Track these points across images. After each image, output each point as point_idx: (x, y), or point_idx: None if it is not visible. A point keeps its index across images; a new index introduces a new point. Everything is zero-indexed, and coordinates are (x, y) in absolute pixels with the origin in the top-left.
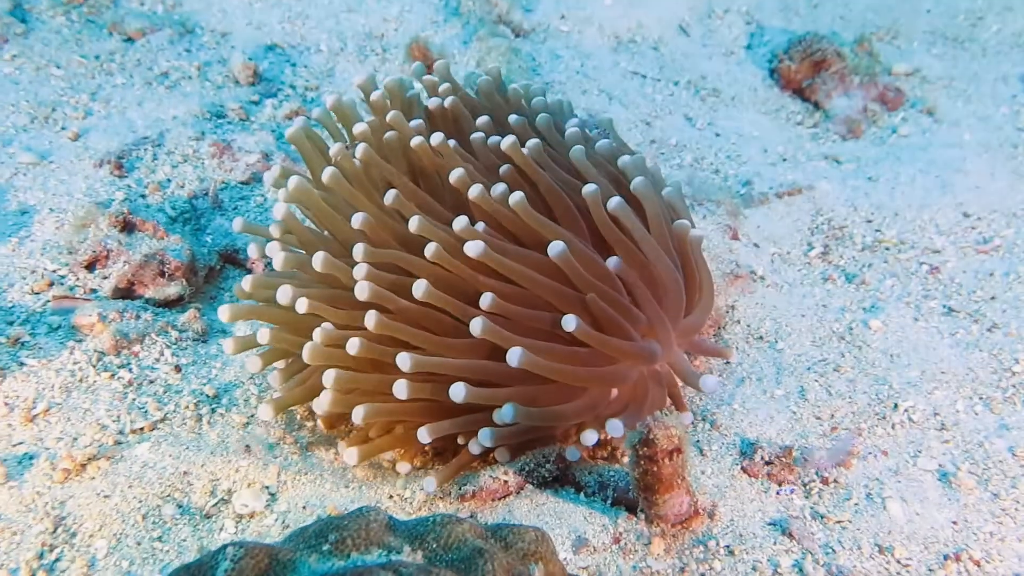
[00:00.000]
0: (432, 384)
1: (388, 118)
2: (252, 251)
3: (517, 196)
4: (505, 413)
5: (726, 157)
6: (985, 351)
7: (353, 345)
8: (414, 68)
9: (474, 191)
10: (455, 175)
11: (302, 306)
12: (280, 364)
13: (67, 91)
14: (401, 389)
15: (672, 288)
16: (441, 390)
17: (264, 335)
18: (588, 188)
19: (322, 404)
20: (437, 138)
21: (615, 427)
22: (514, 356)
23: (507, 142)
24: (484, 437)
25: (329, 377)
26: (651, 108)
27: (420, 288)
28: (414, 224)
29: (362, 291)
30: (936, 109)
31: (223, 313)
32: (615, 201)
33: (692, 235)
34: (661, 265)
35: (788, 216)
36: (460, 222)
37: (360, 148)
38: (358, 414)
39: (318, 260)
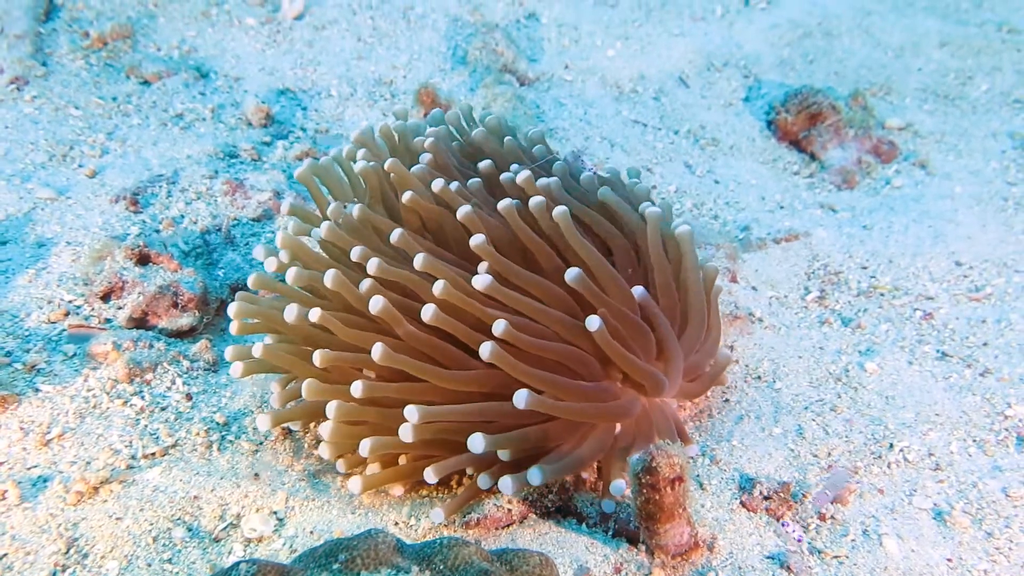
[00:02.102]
0: (437, 426)
1: (387, 165)
2: (258, 252)
3: (561, 210)
4: (533, 476)
5: (725, 203)
6: (978, 395)
7: (357, 388)
8: (432, 114)
9: (503, 204)
10: (462, 212)
11: (315, 315)
12: (275, 386)
13: (85, 131)
14: (407, 433)
15: (697, 325)
16: (446, 430)
17: (258, 350)
18: (652, 210)
19: (325, 434)
20: (438, 184)
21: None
22: (520, 399)
23: (522, 176)
24: (505, 487)
25: (332, 409)
26: (652, 155)
27: (428, 312)
28: (419, 261)
29: (375, 305)
30: (928, 162)
31: (232, 309)
32: (683, 228)
33: (716, 284)
34: (696, 301)
35: (785, 261)
36: (477, 239)
37: (356, 208)
38: (365, 447)
39: (329, 277)
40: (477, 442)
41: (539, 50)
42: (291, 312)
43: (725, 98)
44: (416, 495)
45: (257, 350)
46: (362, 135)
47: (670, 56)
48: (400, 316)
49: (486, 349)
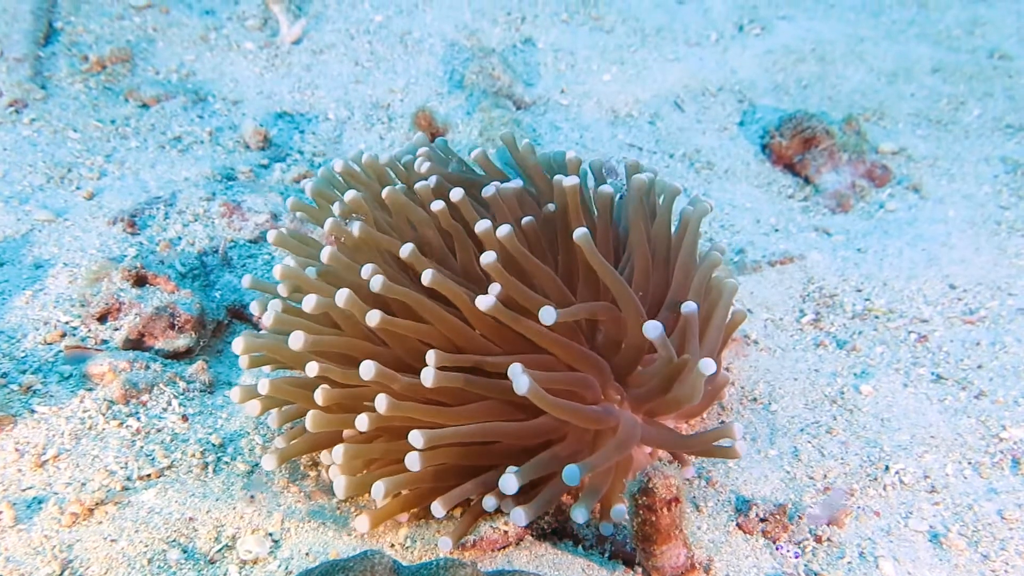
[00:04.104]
0: (443, 450)
1: (385, 194)
2: (255, 307)
3: (581, 232)
4: (571, 476)
5: (720, 226)
6: (973, 417)
7: (362, 422)
8: (416, 138)
9: (502, 231)
10: (480, 226)
11: (312, 370)
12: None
13: (83, 153)
14: (414, 462)
15: (707, 354)
16: (453, 454)
17: (264, 386)
18: (714, 254)
19: (339, 489)
20: (457, 194)
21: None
22: (522, 385)
23: (570, 181)
24: (518, 517)
25: (338, 454)
26: None
27: (429, 377)
28: (427, 277)
29: (367, 371)
30: (922, 186)
31: (237, 345)
32: (731, 282)
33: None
34: (714, 338)
35: (780, 284)
36: (488, 257)
37: (356, 226)
38: (378, 491)
39: (341, 297)
40: (510, 483)
41: (536, 74)
42: (296, 340)
43: (720, 122)
44: (414, 519)
45: (263, 387)
46: (346, 166)
47: (665, 81)
48: (394, 374)
49: (523, 386)
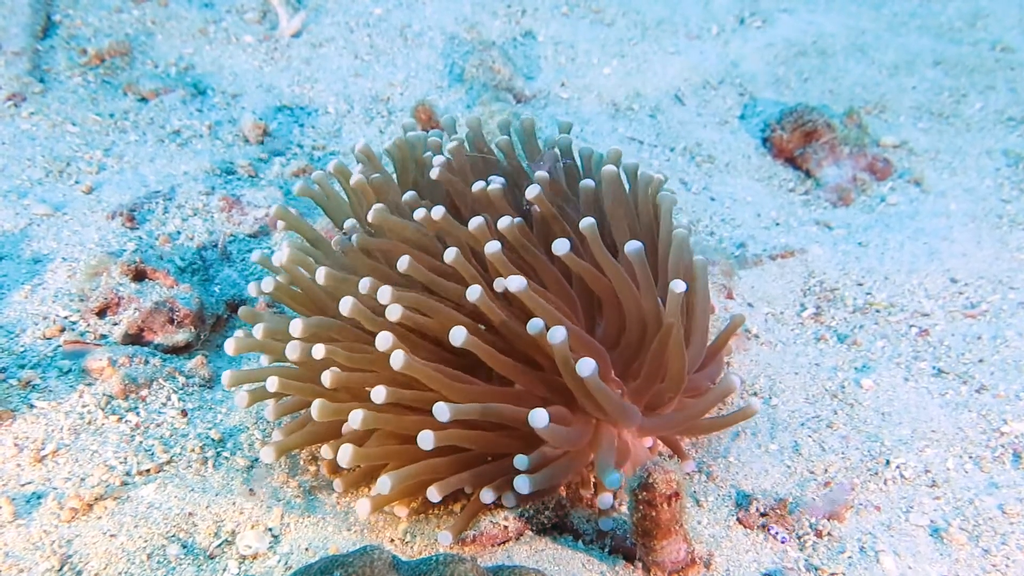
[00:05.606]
0: (458, 431)
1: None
2: (252, 290)
3: (588, 222)
4: (586, 367)
5: (721, 220)
6: (974, 411)
7: (379, 394)
8: (445, 121)
9: (503, 224)
10: (474, 223)
11: (319, 352)
12: (270, 401)
13: (82, 147)
14: (427, 440)
15: (698, 344)
16: (468, 437)
17: (273, 383)
18: (679, 232)
19: (344, 458)
20: (438, 212)
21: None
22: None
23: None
24: (521, 484)
25: (355, 418)
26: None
27: (459, 336)
28: (450, 256)
29: (384, 342)
30: (923, 180)
31: (229, 346)
32: (700, 259)
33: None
34: (701, 324)
35: (781, 278)
36: (492, 247)
37: (355, 237)
38: (385, 485)
39: (346, 305)
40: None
41: (536, 68)
42: (296, 327)
43: (721, 116)
44: (414, 514)
45: (272, 384)
46: (364, 149)
47: (666, 74)
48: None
49: (587, 369)
